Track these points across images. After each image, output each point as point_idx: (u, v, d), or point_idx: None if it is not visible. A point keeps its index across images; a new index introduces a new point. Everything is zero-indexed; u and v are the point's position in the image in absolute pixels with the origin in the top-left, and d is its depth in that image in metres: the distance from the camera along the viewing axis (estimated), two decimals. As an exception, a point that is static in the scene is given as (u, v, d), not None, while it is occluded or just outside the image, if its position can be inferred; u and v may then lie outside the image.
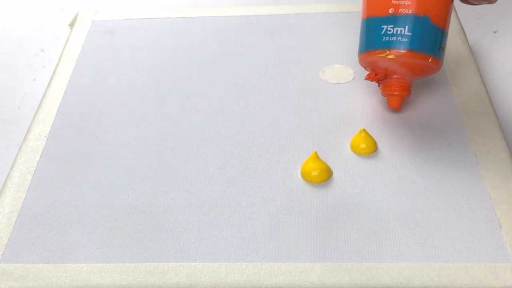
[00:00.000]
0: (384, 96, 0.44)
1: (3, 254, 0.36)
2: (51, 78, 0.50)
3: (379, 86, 0.44)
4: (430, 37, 0.40)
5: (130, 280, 0.34)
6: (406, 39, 0.40)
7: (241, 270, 0.34)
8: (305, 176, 0.39)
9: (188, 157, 0.42)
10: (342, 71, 0.49)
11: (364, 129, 0.42)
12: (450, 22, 0.42)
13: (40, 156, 0.43)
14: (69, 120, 0.46)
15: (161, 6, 0.68)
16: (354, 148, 0.41)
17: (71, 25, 0.57)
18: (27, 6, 0.70)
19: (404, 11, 0.40)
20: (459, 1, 0.42)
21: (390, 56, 0.40)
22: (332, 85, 0.47)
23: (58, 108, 0.47)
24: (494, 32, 0.59)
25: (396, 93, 0.42)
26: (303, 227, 0.36)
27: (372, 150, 0.41)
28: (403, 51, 0.40)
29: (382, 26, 0.41)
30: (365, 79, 0.43)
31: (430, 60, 0.40)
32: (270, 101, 0.46)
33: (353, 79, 0.48)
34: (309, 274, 0.34)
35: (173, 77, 0.49)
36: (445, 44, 0.42)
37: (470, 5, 0.41)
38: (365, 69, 0.44)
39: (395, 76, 0.42)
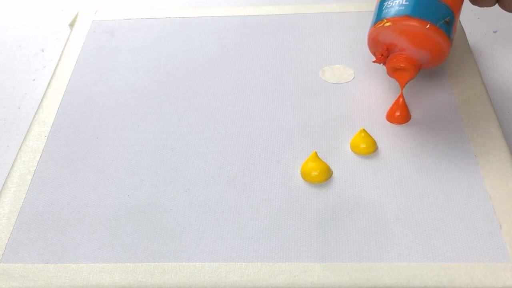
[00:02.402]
0: (390, 75, 0.43)
1: (3, 254, 0.36)
2: (51, 78, 0.50)
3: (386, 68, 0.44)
4: (430, 5, 0.40)
5: (130, 280, 0.34)
6: (403, 8, 0.40)
7: (241, 270, 0.34)
8: (305, 176, 0.39)
9: (188, 157, 0.42)
10: (342, 71, 0.49)
11: (364, 129, 0.42)
12: (460, 8, 0.42)
13: (40, 156, 0.43)
14: (69, 120, 0.46)
15: (161, 6, 0.68)
16: (354, 148, 0.41)
17: (71, 25, 0.57)
18: (27, 6, 0.70)
19: None
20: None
21: (387, 24, 0.40)
22: (332, 85, 0.47)
23: (58, 108, 0.47)
24: (494, 32, 0.59)
25: (401, 65, 0.41)
26: (303, 227, 0.36)
27: (372, 150, 0.41)
28: (399, 17, 0.40)
29: (385, 3, 0.42)
30: (373, 62, 0.43)
31: (428, 26, 0.40)
32: (270, 101, 0.46)
33: (353, 79, 0.48)
34: (309, 274, 0.34)
35: (173, 77, 0.49)
36: (451, 21, 0.40)
37: (478, 6, 0.42)
38: (373, 55, 0.44)
39: (398, 49, 0.42)
